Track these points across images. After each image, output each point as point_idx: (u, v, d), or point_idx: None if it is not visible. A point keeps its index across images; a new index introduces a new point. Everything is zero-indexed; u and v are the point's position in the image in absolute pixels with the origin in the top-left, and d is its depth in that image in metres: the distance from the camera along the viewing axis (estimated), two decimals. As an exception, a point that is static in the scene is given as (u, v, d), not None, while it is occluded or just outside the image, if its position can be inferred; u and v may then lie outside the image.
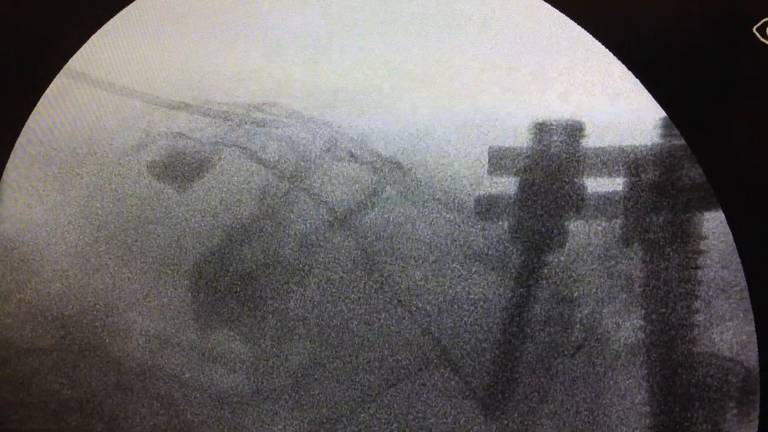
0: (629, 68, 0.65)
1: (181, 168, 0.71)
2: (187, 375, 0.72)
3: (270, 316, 0.71)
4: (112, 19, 0.70)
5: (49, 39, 0.71)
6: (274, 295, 0.71)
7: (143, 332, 0.72)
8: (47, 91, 0.71)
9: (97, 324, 0.73)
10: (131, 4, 0.70)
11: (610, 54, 0.65)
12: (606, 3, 0.65)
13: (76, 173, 0.72)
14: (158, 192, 0.71)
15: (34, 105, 0.71)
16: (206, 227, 0.71)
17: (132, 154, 0.71)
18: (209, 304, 0.72)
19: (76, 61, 0.71)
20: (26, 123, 0.71)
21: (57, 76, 0.71)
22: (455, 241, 0.69)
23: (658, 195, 0.67)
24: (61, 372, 0.74)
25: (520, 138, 0.67)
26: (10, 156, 0.72)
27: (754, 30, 0.63)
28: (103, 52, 0.71)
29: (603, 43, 0.65)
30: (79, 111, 0.71)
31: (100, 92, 0.71)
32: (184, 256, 0.71)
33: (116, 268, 0.72)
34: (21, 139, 0.72)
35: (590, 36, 0.65)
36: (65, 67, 0.71)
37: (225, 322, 0.72)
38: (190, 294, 0.72)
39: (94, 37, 0.70)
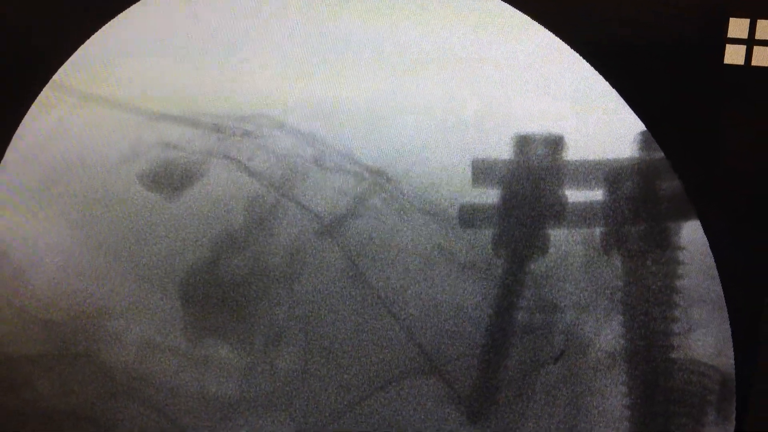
0: (607, 80, 0.65)
1: (170, 178, 0.71)
2: (177, 381, 0.73)
3: (258, 324, 0.72)
4: (98, 32, 0.70)
5: (35, 52, 0.70)
6: (263, 303, 0.71)
7: (134, 339, 0.73)
8: (34, 104, 0.71)
9: (88, 331, 0.73)
10: (118, 16, 0.70)
11: (589, 66, 0.65)
12: (584, 13, 0.64)
13: (66, 184, 0.72)
14: (148, 202, 0.71)
15: (22, 118, 0.71)
16: (196, 237, 0.71)
17: (122, 165, 0.71)
18: (199, 311, 0.72)
19: (62, 73, 0.71)
20: (14, 136, 0.71)
21: (44, 89, 0.71)
22: (440, 249, 0.69)
23: (637, 205, 0.67)
24: (54, 378, 0.74)
25: (502, 150, 0.67)
26: None
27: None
28: (91, 65, 0.70)
29: (581, 54, 0.65)
30: (68, 123, 0.71)
31: (89, 104, 0.71)
32: (174, 264, 0.72)
33: (107, 277, 0.73)
34: (9, 152, 0.72)
35: (568, 47, 0.65)
36: (52, 79, 0.70)
37: (214, 329, 0.72)
38: (180, 302, 0.72)
39: (80, 50, 0.70)
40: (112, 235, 0.71)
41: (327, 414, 0.71)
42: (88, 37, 0.70)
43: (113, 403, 0.73)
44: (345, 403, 0.71)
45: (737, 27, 0.63)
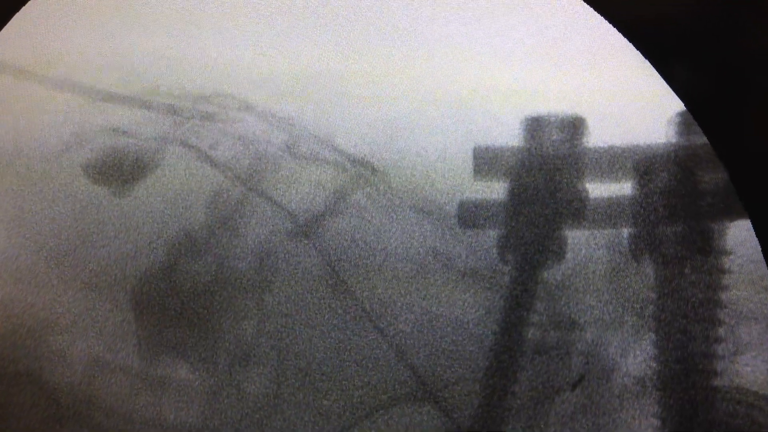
0: (643, 54, 0.63)
1: (120, 169, 0.70)
2: (131, 406, 0.70)
3: (223, 340, 0.69)
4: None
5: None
6: (228, 316, 0.69)
7: (81, 357, 0.71)
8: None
9: (29, 347, 0.71)
10: (56, -20, 0.70)
11: (623, 38, 0.63)
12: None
13: (1, 175, 0.70)
14: (95, 197, 0.70)
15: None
16: (150, 237, 0.69)
17: (64, 154, 0.70)
18: (154, 325, 0.70)
19: (-6, 48, 0.71)
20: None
21: (-28, 67, 0.71)
22: (435, 253, 0.67)
23: (674, 201, 0.64)
24: (-9, 400, 0.75)
25: (511, 135, 0.65)
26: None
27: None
28: (26, 38, 0.69)
29: (615, 26, 0.62)
30: (2, 106, 0.69)
31: (26, 84, 0.69)
32: (126, 270, 0.70)
33: (48, 284, 0.71)
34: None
35: (600, 17, 0.63)
36: (-19, 56, 0.71)
37: (172, 346, 0.70)
38: (132, 314, 0.70)
39: (13, 21, 0.68)
40: (54, 235, 0.70)
41: (303, 446, 0.71)
42: (22, 5, 0.68)
43: (58, 429, 0.71)
44: (323, 433, 0.71)
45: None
